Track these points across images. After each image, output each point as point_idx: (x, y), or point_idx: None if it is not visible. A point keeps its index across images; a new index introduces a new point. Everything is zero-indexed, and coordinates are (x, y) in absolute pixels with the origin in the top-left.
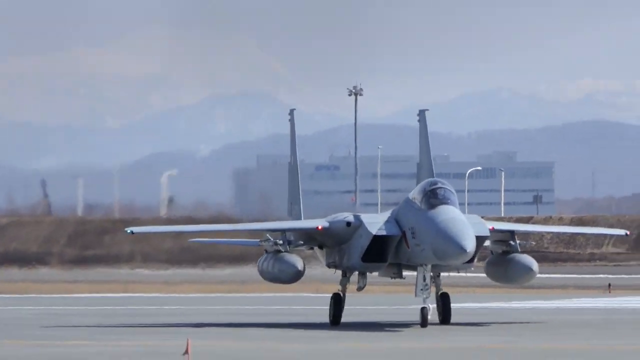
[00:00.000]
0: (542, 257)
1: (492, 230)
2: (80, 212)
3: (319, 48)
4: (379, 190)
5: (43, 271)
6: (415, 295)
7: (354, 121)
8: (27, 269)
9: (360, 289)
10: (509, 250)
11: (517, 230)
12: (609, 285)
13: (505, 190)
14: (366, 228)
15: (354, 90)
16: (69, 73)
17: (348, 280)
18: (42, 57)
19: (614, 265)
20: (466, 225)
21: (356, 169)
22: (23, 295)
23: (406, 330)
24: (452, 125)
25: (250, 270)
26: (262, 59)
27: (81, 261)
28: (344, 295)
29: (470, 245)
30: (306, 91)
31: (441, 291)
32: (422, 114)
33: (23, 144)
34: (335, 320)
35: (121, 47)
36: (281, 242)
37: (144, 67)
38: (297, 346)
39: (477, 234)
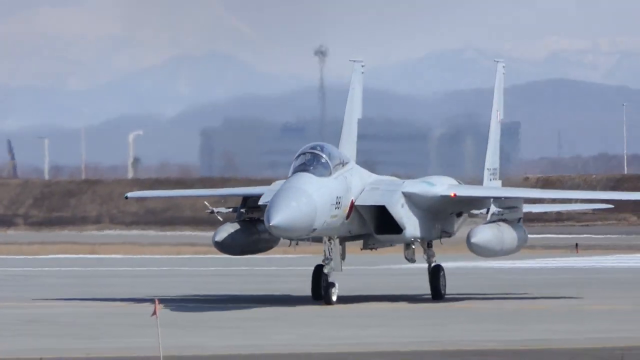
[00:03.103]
0: None
1: (454, 197)
2: (46, 173)
3: (284, 8)
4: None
5: (9, 233)
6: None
7: (319, 82)
8: None
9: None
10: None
11: (481, 196)
12: (577, 245)
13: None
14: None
15: (319, 50)
16: (33, 34)
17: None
18: (6, 19)
19: (581, 225)
20: (293, 197)
21: (322, 129)
22: None
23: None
24: (417, 86)
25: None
26: (227, 19)
27: (48, 223)
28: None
29: (277, 219)
30: (271, 51)
31: (433, 264)
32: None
33: None
34: (315, 294)
35: (86, 8)
36: (225, 210)
37: (108, 27)
38: (262, 311)
39: (370, 203)
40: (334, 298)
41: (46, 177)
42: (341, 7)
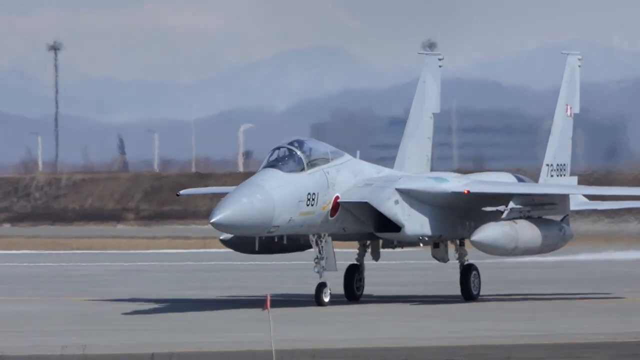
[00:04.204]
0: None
1: (467, 194)
2: (156, 167)
3: (393, 1)
4: (454, 144)
5: (120, 227)
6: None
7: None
8: (104, 225)
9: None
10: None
11: (495, 193)
12: None
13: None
14: None
15: (428, 43)
16: (144, 28)
17: (364, 250)
18: (117, 12)
19: None
20: (245, 193)
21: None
22: (101, 251)
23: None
24: (527, 79)
25: None
26: (336, 13)
27: (158, 217)
28: (360, 265)
29: (219, 217)
30: (380, 45)
31: (465, 263)
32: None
33: (99, 99)
34: (348, 293)
35: (196, 2)
36: None
37: (218, 22)
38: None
39: (353, 199)
40: (326, 299)
41: (156, 170)
42: (450, 0)
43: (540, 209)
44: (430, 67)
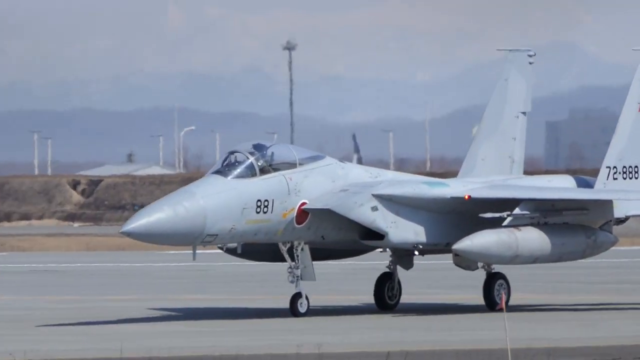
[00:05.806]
0: None
1: (468, 199)
2: (391, 166)
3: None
4: None
5: None
6: None
7: None
8: None
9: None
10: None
11: (498, 198)
12: None
13: None
14: None
15: None
16: (379, 26)
17: (395, 258)
18: (352, 11)
19: None
20: (171, 201)
21: None
22: None
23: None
24: None
25: None
26: (573, 10)
27: None
28: (392, 273)
29: (130, 226)
30: (616, 42)
31: (491, 271)
32: None
33: (334, 97)
34: (378, 302)
35: (433, 1)
36: None
37: (454, 20)
38: None
39: (318, 206)
40: (302, 310)
41: (391, 169)
42: None
43: (559, 214)
44: (514, 64)
